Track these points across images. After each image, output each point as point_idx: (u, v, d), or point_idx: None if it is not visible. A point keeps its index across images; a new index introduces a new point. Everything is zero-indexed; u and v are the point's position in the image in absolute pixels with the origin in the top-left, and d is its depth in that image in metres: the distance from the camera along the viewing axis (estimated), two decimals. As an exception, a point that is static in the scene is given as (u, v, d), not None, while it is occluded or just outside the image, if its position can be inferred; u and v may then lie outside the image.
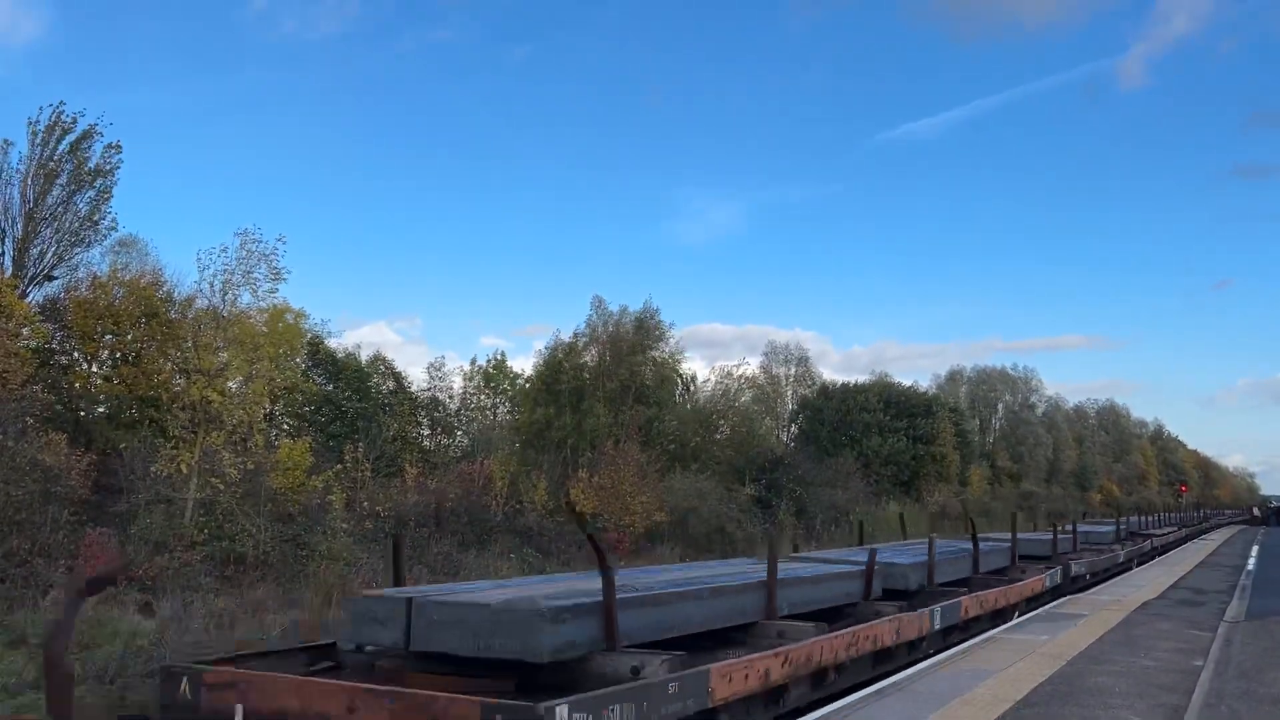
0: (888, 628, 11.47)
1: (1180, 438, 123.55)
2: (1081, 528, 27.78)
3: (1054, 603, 17.96)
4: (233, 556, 21.34)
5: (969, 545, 17.85)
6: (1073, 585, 20.77)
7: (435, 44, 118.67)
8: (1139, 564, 29.16)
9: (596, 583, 8.15)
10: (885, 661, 11.47)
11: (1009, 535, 21.14)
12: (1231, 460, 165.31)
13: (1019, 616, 15.91)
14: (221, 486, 23.31)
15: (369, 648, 8.59)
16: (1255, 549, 37.88)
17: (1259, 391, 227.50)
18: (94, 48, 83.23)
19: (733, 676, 8.04)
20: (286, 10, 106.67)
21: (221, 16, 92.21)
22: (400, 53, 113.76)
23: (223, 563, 21.11)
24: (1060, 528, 25.14)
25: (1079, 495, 77.45)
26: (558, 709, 6.18)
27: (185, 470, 23.34)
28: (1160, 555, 33.91)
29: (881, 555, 13.66)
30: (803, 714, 8.76)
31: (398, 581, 9.90)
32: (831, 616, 11.66)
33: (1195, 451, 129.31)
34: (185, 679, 7.52)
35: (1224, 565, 28.78)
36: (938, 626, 13.00)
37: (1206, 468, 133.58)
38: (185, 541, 21.08)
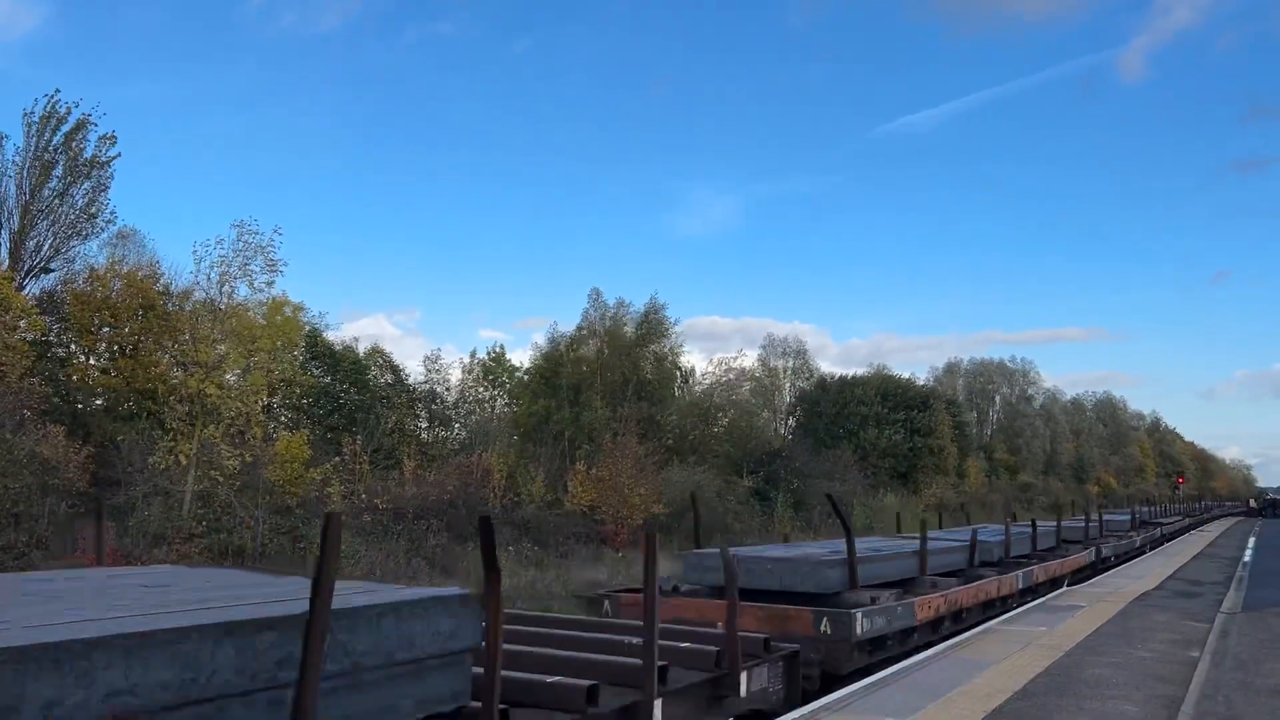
0: (993, 585, 16.11)
1: (1177, 430, 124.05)
2: (1105, 516, 32.32)
3: (1052, 594, 18.04)
4: (231, 548, 21.37)
5: (1024, 529, 22.31)
6: (1103, 564, 24.79)
7: (436, 37, 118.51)
8: (1150, 548, 33.34)
9: (832, 548, 14.20)
10: (990, 608, 15.67)
11: (1053, 522, 25.49)
12: (1228, 452, 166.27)
13: (1029, 602, 16.80)
14: (220, 479, 23.34)
15: (684, 587, 12.80)
16: (1252, 540, 37.97)
17: (1256, 384, 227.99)
18: (93, 41, 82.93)
19: (926, 606, 13.00)
20: (287, 4, 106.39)
21: (221, 10, 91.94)
22: (401, 46, 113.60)
23: (221, 555, 21.13)
24: (1088, 517, 29.66)
25: (1076, 487, 77.49)
26: (856, 613, 11.01)
27: (183, 462, 23.35)
28: (1168, 541, 38.10)
29: (967, 536, 18.67)
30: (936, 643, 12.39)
31: (698, 543, 15.26)
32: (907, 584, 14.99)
33: (1192, 444, 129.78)
34: (607, 601, 12.14)
35: (1221, 557, 28.85)
36: (1020, 586, 17.49)
37: (1204, 460, 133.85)
38: (184, 533, 21.11)
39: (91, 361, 27.94)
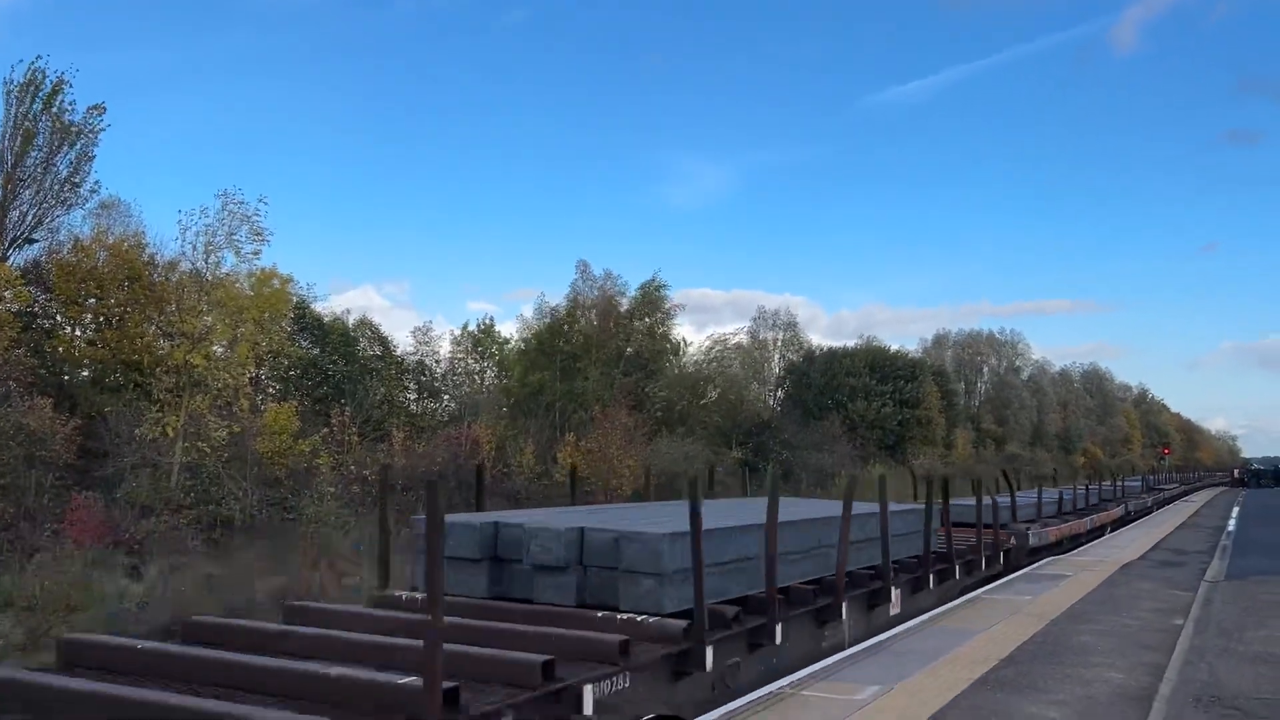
0: (1079, 524, 25.31)
1: (1164, 401, 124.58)
2: (1126, 482, 43.61)
3: (1038, 563, 18.17)
4: (219, 520, 21.34)
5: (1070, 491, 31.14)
6: (1127, 517, 33.05)
7: (428, 6, 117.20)
8: (1157, 508, 41.65)
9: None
10: (1077, 540, 24.09)
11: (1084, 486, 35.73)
12: (1214, 423, 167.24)
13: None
14: (208, 450, 23.28)
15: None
16: (1236, 510, 38.28)
17: (1243, 355, 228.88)
18: (76, 7, 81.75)
19: (1055, 532, 21.68)
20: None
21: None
22: (392, 15, 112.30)
23: (210, 526, 21.11)
24: (1115, 482, 39.69)
25: (1063, 458, 77.84)
26: (1029, 533, 20.79)
27: (171, 434, 23.28)
28: (1169, 504, 46.33)
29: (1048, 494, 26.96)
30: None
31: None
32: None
33: (1178, 414, 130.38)
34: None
35: (1205, 526, 29.08)
36: (1089, 528, 26.35)
37: (1189, 431, 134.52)
38: (172, 505, 21.07)
39: (77, 333, 27.74)
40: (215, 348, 25.27)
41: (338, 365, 35.41)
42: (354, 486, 26.06)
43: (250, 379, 27.79)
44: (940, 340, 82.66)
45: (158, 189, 77.41)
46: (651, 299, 44.12)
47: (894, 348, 62.34)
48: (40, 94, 26.26)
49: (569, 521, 9.62)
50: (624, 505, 18.98)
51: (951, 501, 17.33)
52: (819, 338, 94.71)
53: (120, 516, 19.73)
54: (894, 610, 11.31)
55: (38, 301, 26.83)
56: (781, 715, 6.80)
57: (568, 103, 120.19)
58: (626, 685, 6.90)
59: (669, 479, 34.75)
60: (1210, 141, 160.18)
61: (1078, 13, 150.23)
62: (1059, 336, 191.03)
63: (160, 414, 23.57)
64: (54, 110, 26.29)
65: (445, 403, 41.72)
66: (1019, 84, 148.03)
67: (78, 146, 26.67)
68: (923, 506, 14.25)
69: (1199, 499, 51.84)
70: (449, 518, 8.91)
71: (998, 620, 10.92)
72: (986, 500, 17.99)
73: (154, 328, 26.63)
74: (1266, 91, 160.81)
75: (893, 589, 11.30)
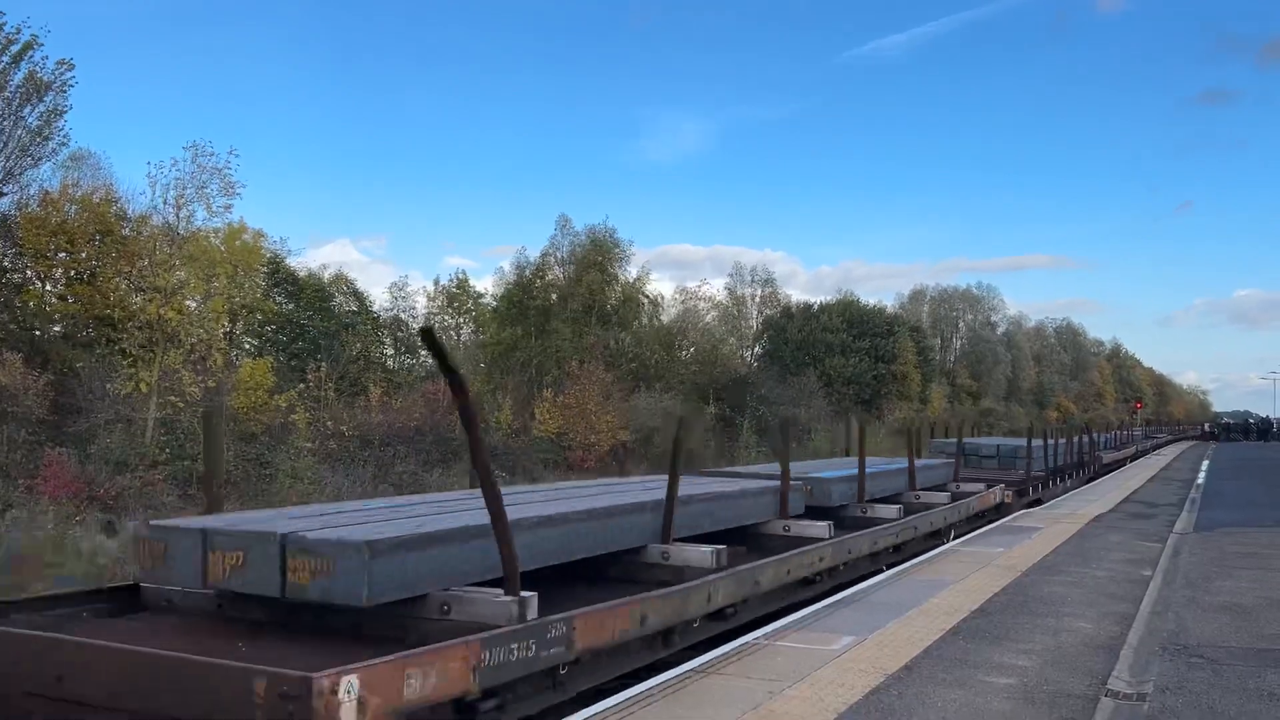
0: (1108, 456, 35.79)
1: (1137, 356, 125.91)
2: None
3: (1010, 516, 18.37)
4: (195, 476, 21.25)
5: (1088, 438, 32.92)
6: (1134, 456, 43.43)
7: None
8: (1153, 450, 52.08)
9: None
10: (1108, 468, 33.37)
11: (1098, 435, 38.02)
12: (1186, 378, 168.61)
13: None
14: (182, 406, 23.14)
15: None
16: (1205, 464, 38.84)
17: (1215, 311, 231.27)
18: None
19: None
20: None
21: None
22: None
23: (185, 482, 21.04)
24: (1123, 431, 50.73)
25: (1037, 413, 78.67)
26: None
27: (144, 390, 23.11)
28: (1157, 450, 54.05)
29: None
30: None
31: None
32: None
33: (1151, 369, 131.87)
34: None
35: (1175, 479, 29.49)
36: (1109, 461, 35.09)
37: (1161, 385, 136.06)
38: (147, 461, 20.97)
39: (48, 288, 27.42)
40: (188, 302, 25.06)
41: (314, 321, 35.22)
42: (331, 442, 26.02)
43: (225, 334, 27.58)
44: (917, 296, 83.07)
45: (127, 141, 76.28)
46: (604, 246, 43.77)
47: (872, 303, 62.66)
48: (12, 48, 25.71)
49: None
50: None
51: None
52: (798, 294, 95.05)
53: (95, 473, 19.63)
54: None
55: (6, 256, 26.46)
56: (753, 666, 6.88)
57: (549, 56, 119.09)
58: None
59: (647, 434, 34.92)
60: (1188, 100, 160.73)
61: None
62: (1036, 292, 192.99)
63: (133, 369, 23.40)
64: (23, 66, 25.76)
65: (423, 358, 41.65)
66: (1000, 39, 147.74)
67: (47, 100, 26.19)
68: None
69: (1170, 452, 52.58)
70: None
71: (970, 572, 11.06)
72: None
73: (126, 282, 26.35)
74: (1243, 51, 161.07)
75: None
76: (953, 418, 63.27)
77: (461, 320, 45.12)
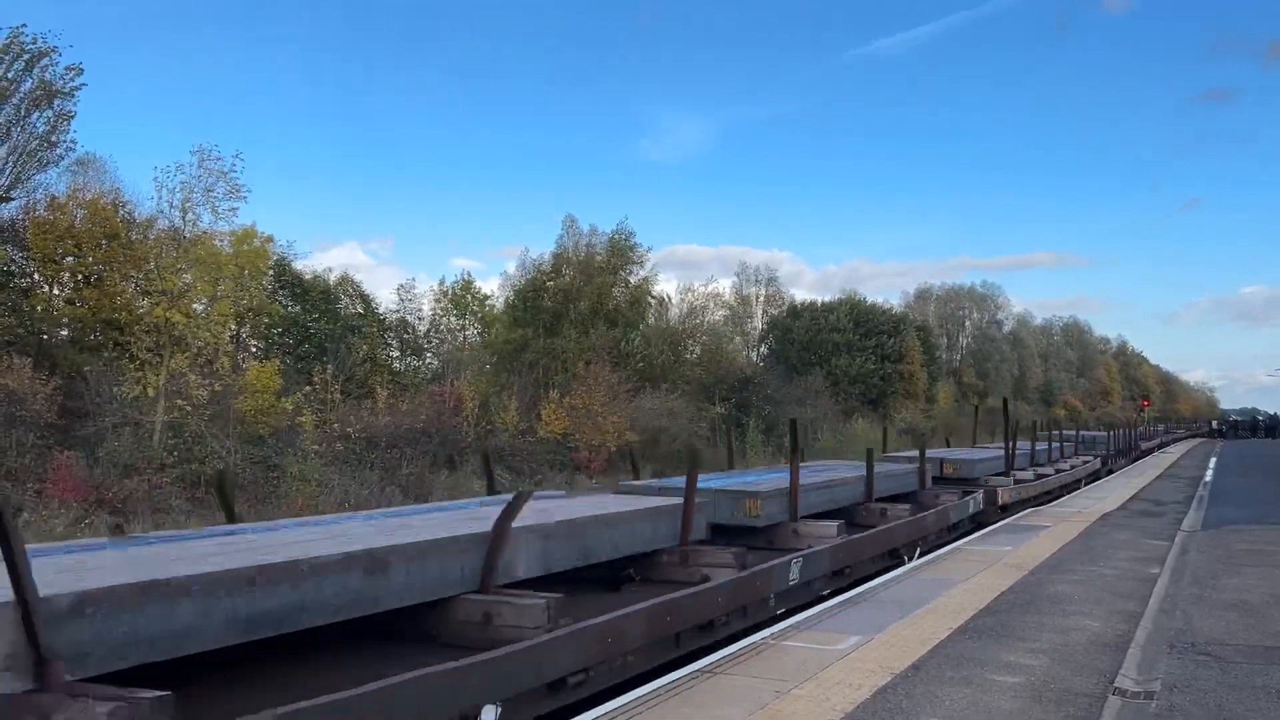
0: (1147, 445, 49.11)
1: (1143, 353, 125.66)
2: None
3: (1017, 515, 18.34)
4: (203, 479, 21.30)
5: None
6: (1160, 445, 53.21)
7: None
8: (1171, 444, 58.71)
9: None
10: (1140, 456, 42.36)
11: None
12: (1193, 375, 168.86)
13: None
14: (189, 409, 23.19)
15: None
16: (1213, 461, 38.73)
17: (1221, 308, 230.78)
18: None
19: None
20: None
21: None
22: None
23: (193, 485, 21.09)
24: (1149, 428, 59.98)
25: (1044, 411, 78.52)
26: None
27: (151, 393, 23.17)
28: (1171, 445, 59.44)
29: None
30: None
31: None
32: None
33: (1157, 367, 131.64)
34: None
35: (1183, 477, 29.41)
36: (1138, 451, 43.49)
37: (1168, 383, 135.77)
38: (155, 464, 21.03)
39: (55, 292, 27.51)
40: (195, 305, 25.13)
41: (319, 323, 35.27)
42: (337, 444, 26.05)
43: (231, 337, 27.64)
44: (923, 295, 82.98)
45: (134, 144, 76.36)
46: (620, 249, 43.80)
47: (878, 302, 62.65)
48: (23, 57, 25.79)
49: None
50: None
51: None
52: (804, 293, 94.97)
53: (103, 476, 19.70)
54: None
55: (14, 260, 26.55)
56: (760, 666, 6.88)
57: (551, 57, 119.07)
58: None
59: (653, 435, 34.90)
60: (1192, 99, 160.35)
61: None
62: (1042, 289, 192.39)
63: (141, 373, 23.46)
64: (35, 73, 25.86)
65: (428, 360, 41.68)
66: (1003, 38, 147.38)
67: (55, 105, 26.29)
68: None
69: (1177, 450, 52.49)
70: None
71: (977, 571, 11.05)
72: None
73: (133, 286, 26.42)
74: (1244, 50, 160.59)
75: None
76: (960, 416, 63.25)
77: (466, 321, 45.14)
